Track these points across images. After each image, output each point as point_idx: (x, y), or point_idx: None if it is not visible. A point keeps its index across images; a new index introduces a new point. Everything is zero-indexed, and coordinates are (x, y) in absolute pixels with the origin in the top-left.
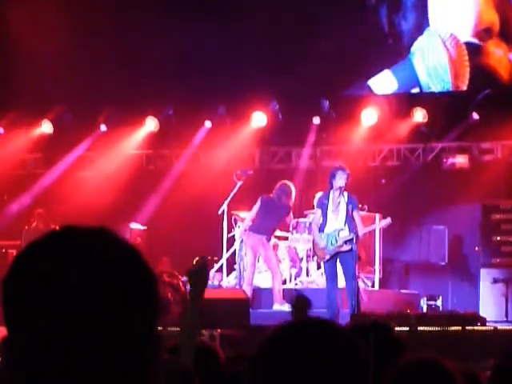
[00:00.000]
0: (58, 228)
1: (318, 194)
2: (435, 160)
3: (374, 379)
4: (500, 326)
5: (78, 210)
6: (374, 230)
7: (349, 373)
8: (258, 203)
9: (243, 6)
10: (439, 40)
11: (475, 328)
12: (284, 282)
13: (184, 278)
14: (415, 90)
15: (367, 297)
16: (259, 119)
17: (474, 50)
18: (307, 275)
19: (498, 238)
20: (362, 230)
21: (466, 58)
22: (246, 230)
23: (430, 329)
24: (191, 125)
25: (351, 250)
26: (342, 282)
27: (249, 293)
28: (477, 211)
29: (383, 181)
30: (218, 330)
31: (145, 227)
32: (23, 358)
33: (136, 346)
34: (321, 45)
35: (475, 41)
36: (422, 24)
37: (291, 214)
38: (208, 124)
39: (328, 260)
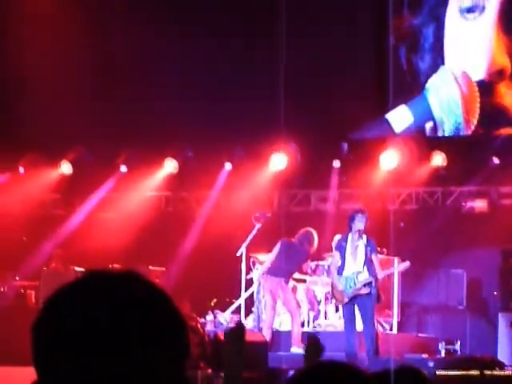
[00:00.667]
0: (83, 271)
1: (337, 237)
2: (454, 204)
3: None
4: None
5: (96, 251)
6: (393, 274)
7: None
8: (278, 246)
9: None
10: (452, 76)
11: (494, 372)
12: (302, 325)
13: (202, 320)
14: (429, 124)
15: (385, 340)
16: (278, 161)
17: (486, 89)
18: (325, 318)
19: None
20: (380, 273)
21: (477, 94)
22: (264, 274)
23: (449, 373)
24: (210, 166)
25: (370, 293)
26: (359, 326)
27: (268, 336)
28: (496, 255)
29: (402, 224)
30: None
31: (163, 268)
32: None
33: None
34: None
35: (487, 80)
36: (437, 64)
37: (308, 261)
38: (228, 166)
39: (346, 303)
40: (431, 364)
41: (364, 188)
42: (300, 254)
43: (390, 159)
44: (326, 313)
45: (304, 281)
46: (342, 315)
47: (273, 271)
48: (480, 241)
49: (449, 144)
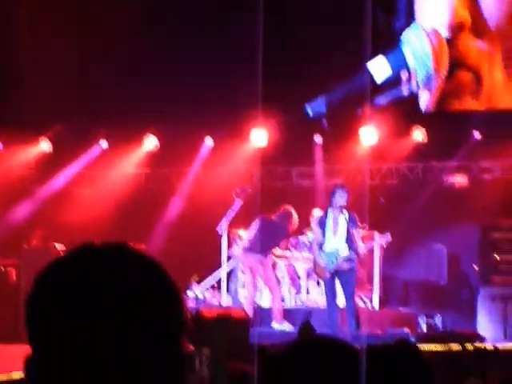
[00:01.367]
0: (64, 248)
1: (315, 211)
2: (434, 178)
3: None
4: (499, 345)
5: (76, 227)
6: (374, 249)
7: None
8: (257, 223)
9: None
10: (423, 32)
11: (474, 346)
12: (283, 301)
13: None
14: (405, 74)
15: (366, 315)
16: (259, 137)
17: (448, 43)
18: (307, 293)
19: (497, 257)
20: (362, 248)
21: (446, 48)
22: (242, 250)
23: (430, 347)
24: (191, 143)
25: (352, 268)
26: (341, 301)
27: (250, 312)
28: (476, 230)
29: (382, 199)
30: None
31: (143, 245)
32: (47, 377)
33: (159, 360)
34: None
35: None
36: (410, 22)
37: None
38: (209, 142)
39: (328, 279)
40: (413, 339)
41: (344, 163)
42: (279, 230)
43: (369, 134)
44: (307, 289)
45: (285, 257)
46: (323, 291)
47: (251, 248)
48: (460, 216)
49: (429, 118)
